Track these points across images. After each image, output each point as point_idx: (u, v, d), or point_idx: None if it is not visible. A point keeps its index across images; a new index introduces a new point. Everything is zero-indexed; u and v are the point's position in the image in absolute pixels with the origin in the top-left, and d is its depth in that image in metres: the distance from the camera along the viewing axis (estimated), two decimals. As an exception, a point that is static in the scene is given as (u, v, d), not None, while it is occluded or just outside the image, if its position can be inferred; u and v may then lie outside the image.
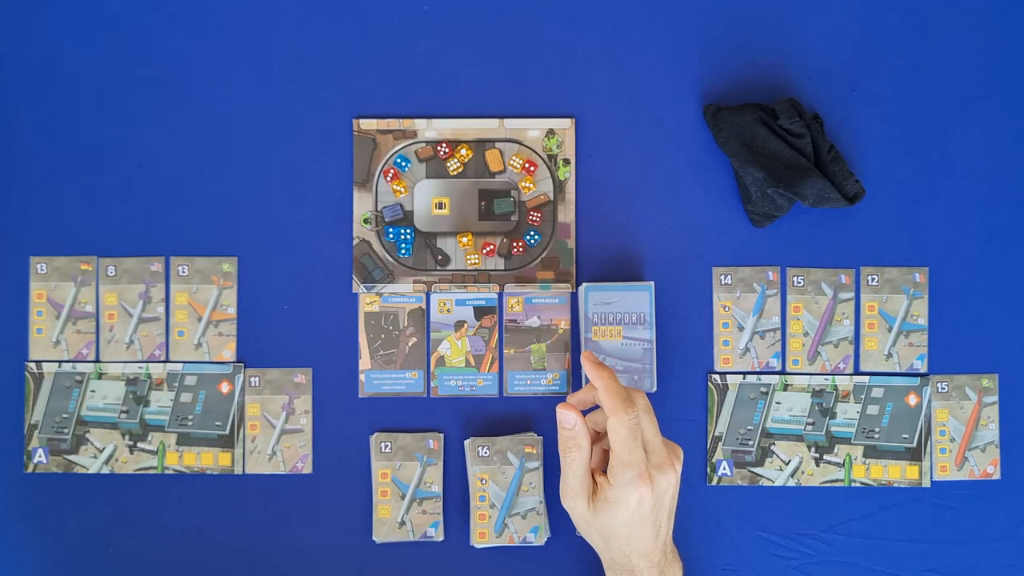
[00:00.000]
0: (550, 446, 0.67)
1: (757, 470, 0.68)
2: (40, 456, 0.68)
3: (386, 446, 0.67)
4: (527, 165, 0.68)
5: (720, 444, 0.68)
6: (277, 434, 0.68)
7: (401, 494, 0.67)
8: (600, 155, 0.69)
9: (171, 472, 0.68)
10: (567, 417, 0.59)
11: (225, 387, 0.68)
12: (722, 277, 0.68)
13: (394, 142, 0.68)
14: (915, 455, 0.68)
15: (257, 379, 0.68)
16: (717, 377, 0.68)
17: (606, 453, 0.59)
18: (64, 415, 0.68)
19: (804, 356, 0.68)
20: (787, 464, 0.68)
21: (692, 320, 0.68)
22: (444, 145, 0.68)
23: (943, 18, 0.69)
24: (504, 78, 0.69)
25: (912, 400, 0.68)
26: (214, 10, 0.69)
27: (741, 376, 0.68)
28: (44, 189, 0.69)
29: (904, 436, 0.68)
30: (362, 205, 0.68)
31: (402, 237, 0.68)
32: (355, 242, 0.68)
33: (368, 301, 0.68)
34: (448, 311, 0.68)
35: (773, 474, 0.68)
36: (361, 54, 0.69)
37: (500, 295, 0.68)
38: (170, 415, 0.68)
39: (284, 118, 0.69)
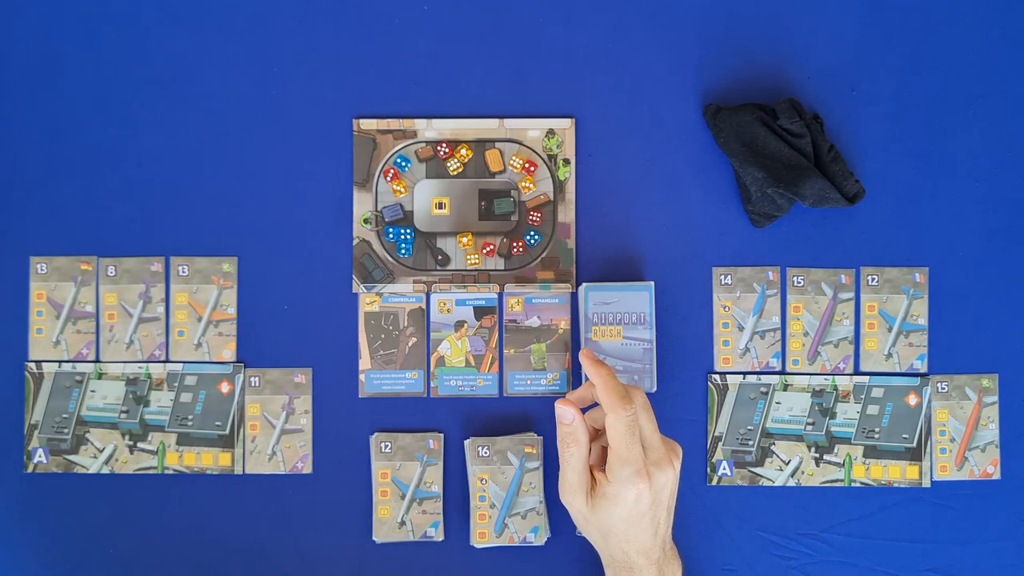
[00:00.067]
0: (550, 446, 0.67)
1: (757, 470, 0.68)
2: (40, 456, 0.68)
3: (386, 446, 0.67)
4: (527, 165, 0.68)
5: (720, 444, 0.68)
6: (277, 434, 0.68)
7: (401, 494, 0.67)
8: (600, 155, 0.69)
9: (171, 472, 0.68)
10: (565, 413, 0.59)
11: (225, 387, 0.68)
12: (722, 277, 0.68)
13: (394, 142, 0.68)
14: (915, 455, 0.68)
15: (257, 379, 0.68)
16: (717, 377, 0.68)
17: (605, 450, 0.59)
18: (64, 415, 0.68)
19: (804, 356, 0.68)
20: (787, 464, 0.68)
21: (692, 320, 0.68)
22: (444, 145, 0.68)
23: (943, 18, 0.69)
24: (504, 78, 0.69)
25: (912, 400, 0.68)
26: (214, 10, 0.69)
27: (741, 376, 0.68)
28: (44, 189, 0.69)
29: (904, 436, 0.68)
30: (362, 205, 0.68)
31: (402, 237, 0.68)
32: (355, 242, 0.68)
33: (368, 301, 0.68)
34: (448, 311, 0.68)
35: (773, 474, 0.68)
36: (361, 54, 0.69)
37: (500, 295, 0.68)
38: (170, 415, 0.68)
39: (284, 118, 0.69)
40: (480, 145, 0.68)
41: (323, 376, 0.68)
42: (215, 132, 0.69)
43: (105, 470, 0.68)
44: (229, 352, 0.68)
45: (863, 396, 0.68)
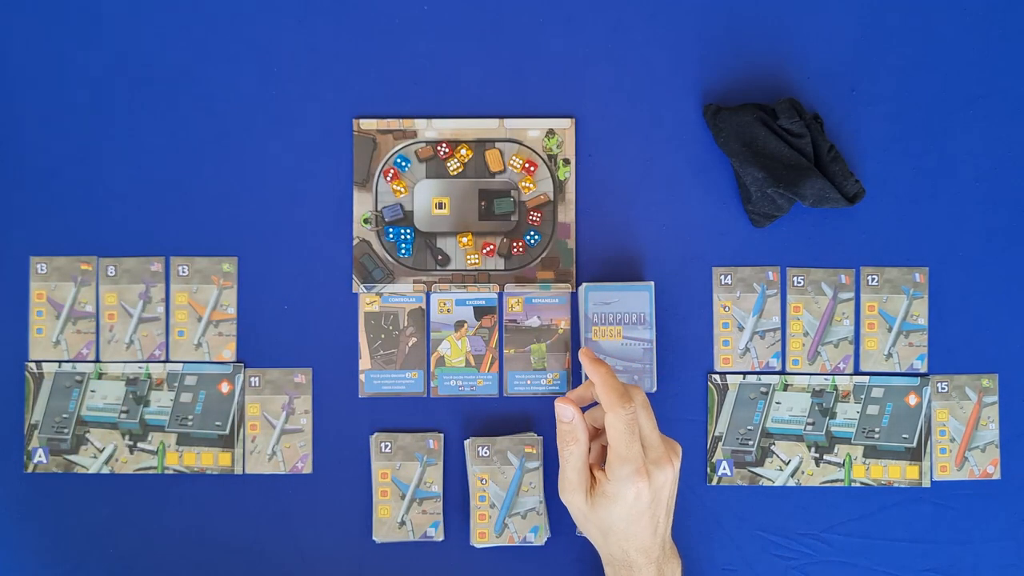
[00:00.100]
0: (550, 446, 0.67)
1: (757, 470, 0.68)
2: (40, 456, 0.68)
3: (386, 446, 0.67)
4: (527, 165, 0.68)
5: (720, 444, 0.68)
6: (277, 434, 0.68)
7: (401, 494, 0.67)
8: (600, 155, 0.69)
9: (171, 472, 0.68)
10: (565, 411, 0.59)
11: (225, 387, 0.68)
12: (722, 277, 0.68)
13: (394, 142, 0.68)
14: (915, 455, 0.68)
15: (257, 379, 0.68)
16: (717, 377, 0.68)
17: (605, 449, 0.60)
18: (64, 415, 0.68)
19: (804, 356, 0.68)
20: (787, 464, 0.68)
21: (692, 320, 0.68)
22: (444, 145, 0.68)
23: (943, 18, 0.69)
24: (504, 78, 0.69)
25: (912, 400, 0.68)
26: (214, 10, 0.69)
27: (741, 376, 0.68)
28: (44, 189, 0.69)
29: (904, 436, 0.68)
30: (362, 205, 0.68)
31: (402, 237, 0.68)
32: (355, 242, 0.68)
33: (368, 301, 0.68)
34: (448, 311, 0.68)
35: (773, 474, 0.68)
36: (361, 54, 0.69)
37: (500, 295, 0.68)
38: (170, 415, 0.68)
39: (284, 118, 0.69)
40: (480, 145, 0.68)
41: (323, 376, 0.68)
42: (215, 132, 0.69)
43: (105, 470, 0.68)
44: (229, 352, 0.68)
45: (863, 396, 0.68)
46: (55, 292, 0.68)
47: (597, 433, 0.62)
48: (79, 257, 0.68)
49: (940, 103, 0.69)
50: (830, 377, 0.68)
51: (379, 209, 0.68)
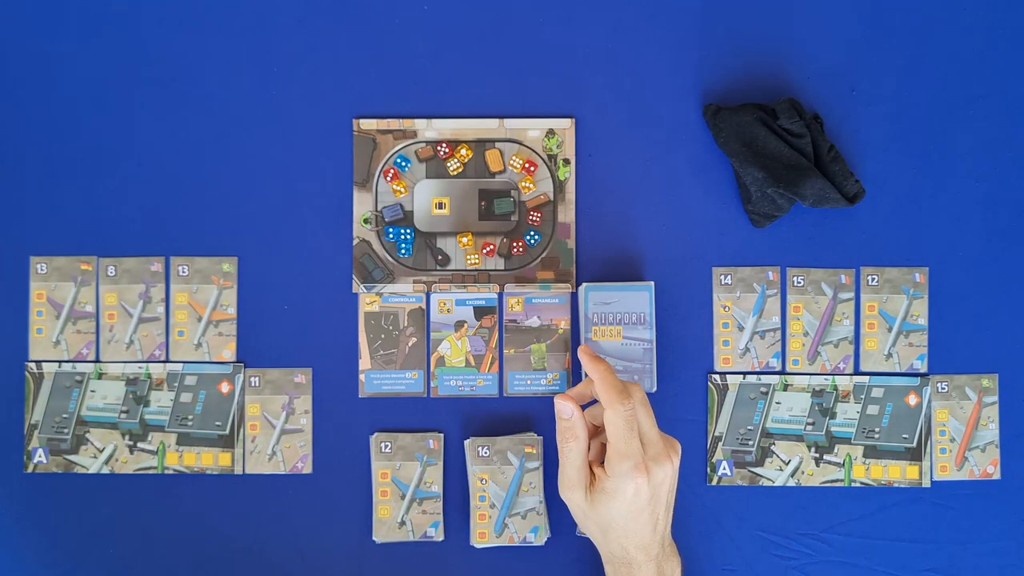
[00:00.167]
0: (550, 446, 0.67)
1: (757, 470, 0.68)
2: (40, 456, 0.68)
3: (386, 446, 0.67)
4: (527, 165, 0.68)
5: (720, 444, 0.68)
6: (277, 434, 0.68)
7: (401, 494, 0.67)
8: (600, 155, 0.69)
9: (171, 472, 0.68)
10: (564, 407, 0.60)
11: (225, 387, 0.68)
12: (722, 277, 0.68)
13: (394, 142, 0.68)
14: (915, 455, 0.68)
15: (257, 379, 0.68)
16: (717, 377, 0.68)
17: (604, 447, 0.60)
18: (64, 415, 0.68)
19: (804, 356, 0.68)
20: (787, 464, 0.68)
21: (692, 320, 0.68)
22: (444, 145, 0.68)
23: (943, 18, 0.69)
24: (504, 78, 0.69)
25: (912, 400, 0.68)
26: (214, 10, 0.69)
27: (741, 376, 0.68)
28: (44, 189, 0.69)
29: (904, 436, 0.68)
30: (362, 205, 0.68)
31: (402, 237, 0.68)
32: (355, 242, 0.68)
33: (368, 301, 0.68)
34: (448, 311, 0.68)
35: (773, 474, 0.68)
36: (361, 54, 0.69)
37: (500, 295, 0.68)
38: (170, 415, 0.68)
39: (284, 118, 0.69)
40: (480, 145, 0.68)
41: (323, 376, 0.68)
42: (215, 132, 0.69)
43: (105, 470, 0.68)
44: (229, 352, 0.68)
45: (863, 396, 0.68)
46: (55, 292, 0.68)
47: (597, 431, 0.62)
48: (79, 257, 0.68)
49: (940, 103, 0.69)
50: (830, 377, 0.68)
51: (379, 209, 0.68)
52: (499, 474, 0.67)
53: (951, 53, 0.69)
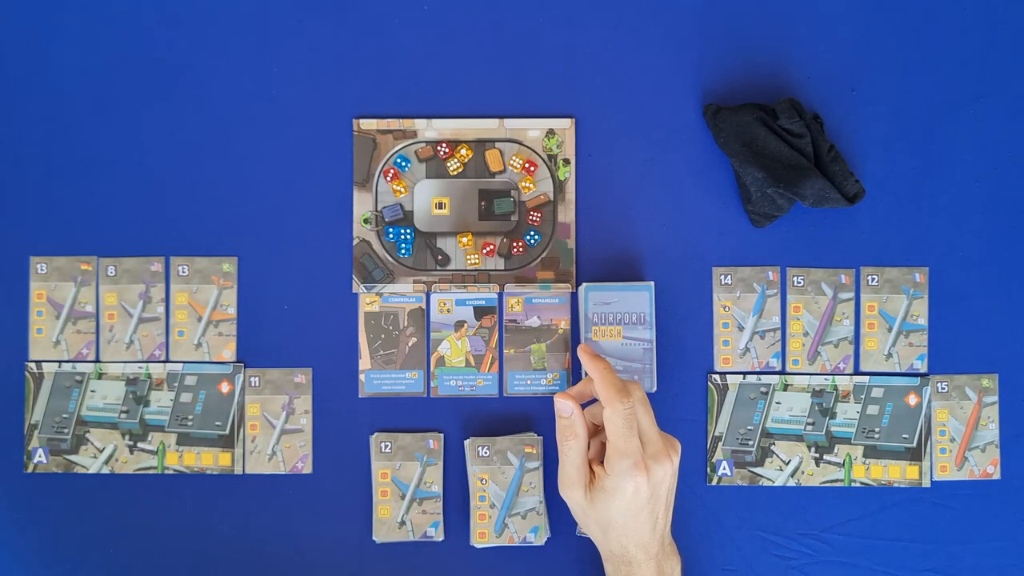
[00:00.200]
0: (550, 446, 0.67)
1: (757, 470, 0.68)
2: (40, 456, 0.68)
3: (386, 446, 0.67)
4: (527, 165, 0.68)
5: (720, 444, 0.68)
6: (277, 434, 0.68)
7: (401, 494, 0.67)
8: (600, 155, 0.69)
9: (171, 472, 0.68)
10: (564, 406, 0.60)
11: (225, 387, 0.68)
12: (722, 277, 0.68)
13: (394, 142, 0.68)
14: (915, 455, 0.68)
15: (257, 379, 0.68)
16: (717, 377, 0.68)
17: (604, 446, 0.60)
18: (64, 415, 0.68)
19: (804, 356, 0.68)
20: (787, 464, 0.68)
21: (692, 320, 0.68)
22: (444, 145, 0.68)
23: (943, 18, 0.69)
24: (504, 78, 0.69)
25: (912, 400, 0.68)
26: (214, 10, 0.69)
27: (741, 376, 0.68)
28: (44, 189, 0.69)
29: (904, 436, 0.68)
30: (362, 205, 0.68)
31: (402, 237, 0.68)
32: (355, 242, 0.68)
33: (368, 301, 0.68)
34: (448, 311, 0.68)
35: (773, 474, 0.68)
36: (361, 54, 0.69)
37: (500, 295, 0.68)
38: (170, 415, 0.68)
39: (284, 118, 0.69)
40: (480, 145, 0.68)
41: (323, 376, 0.68)
42: (215, 132, 0.69)
43: (105, 470, 0.68)
44: (229, 352, 0.68)
45: (863, 396, 0.68)
46: (55, 292, 0.68)
47: (597, 430, 0.62)
48: (79, 257, 0.68)
49: (940, 103, 0.69)
50: (830, 377, 0.68)
51: (379, 209, 0.68)
52: (499, 474, 0.67)
53: (951, 53, 0.69)
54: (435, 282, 0.68)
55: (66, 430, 0.68)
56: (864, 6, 0.69)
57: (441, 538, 0.67)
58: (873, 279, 0.68)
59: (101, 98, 0.69)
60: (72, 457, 0.68)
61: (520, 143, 0.68)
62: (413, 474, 0.67)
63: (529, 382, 0.68)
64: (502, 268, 0.68)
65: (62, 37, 0.69)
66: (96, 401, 0.68)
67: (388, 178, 0.68)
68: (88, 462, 0.68)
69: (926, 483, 0.68)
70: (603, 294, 0.65)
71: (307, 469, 0.68)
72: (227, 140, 0.69)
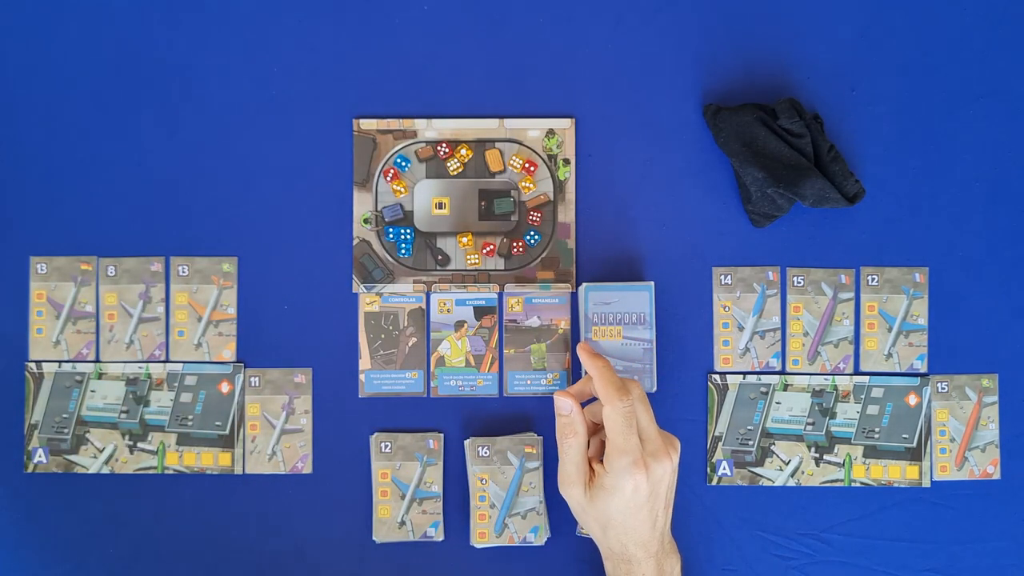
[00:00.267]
0: (550, 446, 0.67)
1: (757, 470, 0.68)
2: (40, 456, 0.68)
3: (386, 446, 0.67)
4: (527, 165, 0.68)
5: (720, 444, 0.68)
6: (277, 434, 0.68)
7: (401, 494, 0.67)
8: (600, 155, 0.69)
9: (171, 472, 0.68)
10: (564, 404, 0.60)
11: (225, 387, 0.68)
12: (722, 277, 0.68)
13: (394, 142, 0.68)
14: (915, 455, 0.68)
15: (257, 379, 0.68)
16: (717, 377, 0.68)
17: (604, 444, 0.60)
18: (64, 415, 0.68)
19: (804, 356, 0.68)
20: (787, 464, 0.68)
21: (692, 320, 0.68)
22: (444, 145, 0.68)
23: (943, 18, 0.69)
24: (504, 78, 0.69)
25: (912, 400, 0.68)
26: (214, 10, 0.69)
27: (741, 376, 0.68)
28: (44, 189, 0.69)
29: (904, 436, 0.68)
30: (362, 205, 0.68)
31: (402, 237, 0.68)
32: (355, 242, 0.68)
33: (368, 301, 0.68)
34: (448, 311, 0.68)
35: (773, 474, 0.68)
36: (361, 54, 0.69)
37: (500, 295, 0.68)
38: (170, 415, 0.68)
39: (284, 118, 0.69)
40: (480, 145, 0.68)
41: (323, 376, 0.68)
42: (215, 132, 0.69)
43: (105, 470, 0.68)
44: (229, 352, 0.68)
45: (863, 396, 0.68)
46: (55, 292, 0.68)
47: (596, 429, 0.62)
48: (79, 257, 0.68)
49: (940, 103, 0.69)
50: (830, 377, 0.68)
51: (379, 209, 0.68)
52: (499, 474, 0.67)
53: (951, 53, 0.69)
54: (435, 282, 0.68)
55: (66, 430, 0.68)
56: (864, 6, 0.69)
57: (441, 538, 0.67)
58: (873, 279, 0.68)
59: (101, 98, 0.69)
60: (72, 457, 0.68)
61: (520, 143, 0.68)
62: (413, 474, 0.67)
63: (529, 382, 0.68)
64: (502, 268, 0.68)
65: (62, 37, 0.69)
66: (96, 401, 0.68)
67: (388, 178, 0.68)
68: (88, 462, 0.68)
69: (926, 483, 0.68)
70: (603, 294, 0.65)
71: (307, 469, 0.68)
72: (227, 140, 0.69)
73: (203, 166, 0.69)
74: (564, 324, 0.68)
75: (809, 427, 0.68)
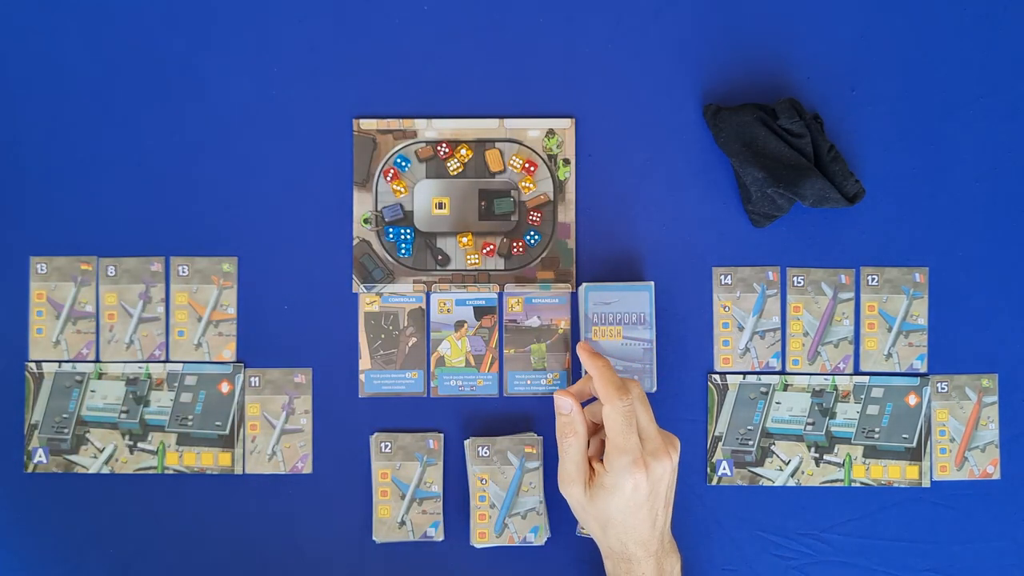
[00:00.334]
0: (550, 446, 0.67)
1: (757, 470, 0.68)
2: (40, 456, 0.68)
3: (386, 446, 0.67)
4: (527, 165, 0.68)
5: (720, 444, 0.68)
6: (277, 434, 0.68)
7: (401, 494, 0.67)
8: (600, 155, 0.69)
9: (171, 472, 0.68)
10: (564, 403, 0.60)
11: (225, 387, 0.68)
12: (722, 277, 0.68)
13: (394, 142, 0.68)
14: (915, 455, 0.68)
15: (257, 379, 0.68)
16: (717, 377, 0.68)
17: (604, 444, 0.60)
18: (64, 415, 0.68)
19: (804, 356, 0.68)
20: (787, 464, 0.68)
21: (692, 320, 0.68)
22: (444, 145, 0.68)
23: (943, 18, 0.69)
24: (504, 78, 0.69)
25: (912, 400, 0.68)
26: (214, 10, 0.69)
27: (741, 376, 0.68)
28: (44, 189, 0.69)
29: (904, 436, 0.68)
30: (362, 205, 0.68)
31: (402, 237, 0.68)
32: (355, 242, 0.68)
33: (368, 301, 0.68)
34: (448, 311, 0.68)
35: (773, 474, 0.68)
36: (361, 54, 0.69)
37: (500, 295, 0.68)
38: (170, 415, 0.68)
39: (284, 118, 0.69)
40: (480, 145, 0.68)
41: (323, 376, 0.68)
42: (215, 132, 0.69)
43: (105, 470, 0.68)
44: (229, 352, 0.68)
45: (863, 396, 0.68)
46: (55, 292, 0.68)
47: (596, 429, 0.62)
48: (79, 257, 0.68)
49: (940, 103, 0.69)
50: (830, 377, 0.68)
51: (379, 209, 0.68)
52: (499, 474, 0.67)
53: (951, 53, 0.69)
54: (435, 282, 0.68)
55: (66, 430, 0.68)
56: (864, 6, 0.69)
57: (441, 538, 0.67)
58: (873, 279, 0.68)
59: (101, 98, 0.69)
60: (72, 457, 0.68)
61: (520, 143, 0.68)
62: (413, 474, 0.67)
63: (529, 382, 0.68)
64: (502, 268, 0.68)
65: (62, 37, 0.69)
66: (96, 401, 0.68)
67: (388, 178, 0.68)
68: (88, 462, 0.68)
69: (926, 483, 0.68)
70: (603, 294, 0.65)
71: (307, 469, 0.68)
72: (227, 140, 0.69)
73: (203, 166, 0.69)
74: (564, 324, 0.68)
75: (809, 427, 0.68)
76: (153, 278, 0.68)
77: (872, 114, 0.69)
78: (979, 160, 0.69)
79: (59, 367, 0.68)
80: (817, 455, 0.68)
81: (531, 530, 0.66)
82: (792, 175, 0.64)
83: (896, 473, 0.68)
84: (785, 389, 0.68)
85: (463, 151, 0.68)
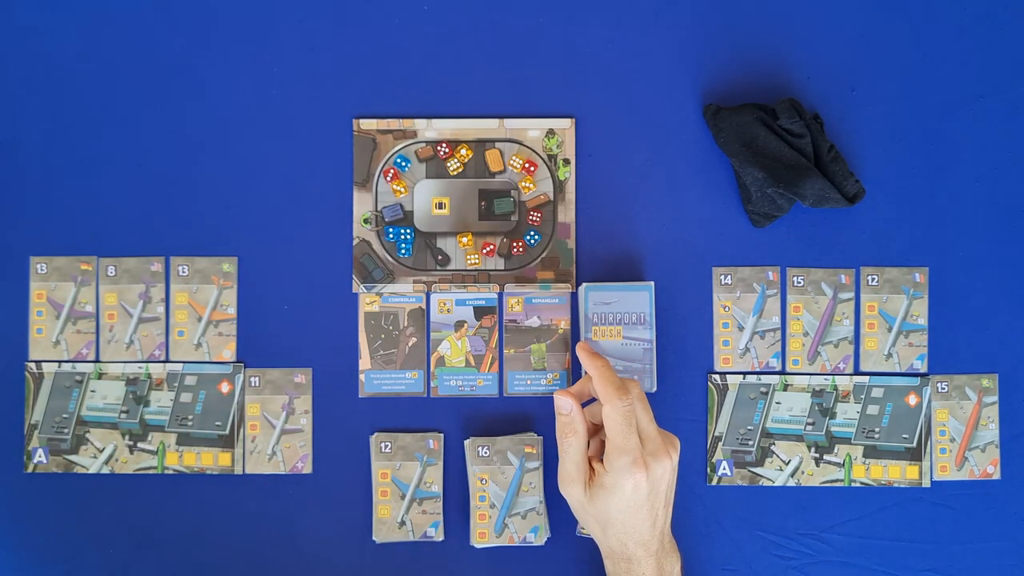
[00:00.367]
0: (550, 446, 0.67)
1: (757, 470, 0.68)
2: (40, 456, 0.68)
3: (386, 446, 0.67)
4: (527, 165, 0.68)
5: (720, 444, 0.68)
6: (277, 434, 0.68)
7: (401, 494, 0.67)
8: (600, 155, 0.69)
9: (171, 472, 0.68)
10: (564, 403, 0.60)
11: (225, 387, 0.68)
12: (722, 277, 0.68)
13: (394, 142, 0.68)
14: (915, 455, 0.68)
15: (257, 379, 0.68)
16: (717, 377, 0.68)
17: (604, 444, 0.60)
18: (64, 415, 0.68)
19: (804, 356, 0.68)
20: (787, 464, 0.68)
21: (692, 320, 0.68)
22: (444, 145, 0.68)
23: (943, 18, 0.69)
24: (504, 78, 0.69)
25: (912, 400, 0.68)
26: (214, 10, 0.69)
27: (741, 376, 0.68)
28: (44, 189, 0.69)
29: (904, 436, 0.68)
30: (362, 205, 0.68)
31: (402, 237, 0.68)
32: (355, 242, 0.68)
33: (368, 301, 0.68)
34: (448, 311, 0.68)
35: (773, 474, 0.68)
36: (361, 54, 0.69)
37: (500, 295, 0.68)
38: (170, 415, 0.68)
39: (284, 118, 0.69)
40: (480, 145, 0.68)
41: (323, 376, 0.68)
42: (215, 132, 0.69)
43: (105, 470, 0.68)
44: (229, 352, 0.68)
45: (863, 396, 0.68)
46: (55, 292, 0.68)
47: (596, 429, 0.62)
48: (79, 257, 0.68)
49: (940, 103, 0.69)
50: (830, 377, 0.68)
51: (379, 209, 0.68)
52: (499, 474, 0.67)
53: (951, 53, 0.69)
54: (435, 282, 0.68)
55: (66, 430, 0.68)
56: (864, 6, 0.69)
57: (441, 538, 0.67)
58: (873, 279, 0.68)
59: (101, 98, 0.69)
60: (72, 457, 0.68)
61: (520, 143, 0.68)
62: (413, 474, 0.67)
63: (529, 382, 0.68)
64: (502, 268, 0.68)
65: (62, 37, 0.69)
66: (96, 401, 0.68)
67: (388, 178, 0.68)
68: (88, 462, 0.68)
69: (926, 483, 0.68)
70: (603, 294, 0.65)
71: (307, 469, 0.68)
72: (227, 140, 0.69)
73: (203, 166, 0.69)
74: (564, 324, 0.68)
75: (809, 427, 0.68)
76: (153, 278, 0.68)
77: (872, 114, 0.69)
78: (979, 160, 0.69)
79: (59, 367, 0.68)
80: (817, 455, 0.68)
81: (531, 530, 0.66)
82: (792, 175, 0.64)
83: (896, 473, 0.68)
84: (785, 389, 0.68)
85: (463, 151, 0.68)
